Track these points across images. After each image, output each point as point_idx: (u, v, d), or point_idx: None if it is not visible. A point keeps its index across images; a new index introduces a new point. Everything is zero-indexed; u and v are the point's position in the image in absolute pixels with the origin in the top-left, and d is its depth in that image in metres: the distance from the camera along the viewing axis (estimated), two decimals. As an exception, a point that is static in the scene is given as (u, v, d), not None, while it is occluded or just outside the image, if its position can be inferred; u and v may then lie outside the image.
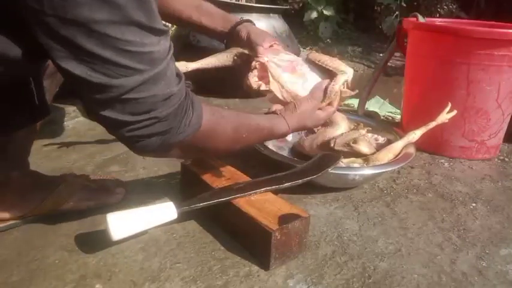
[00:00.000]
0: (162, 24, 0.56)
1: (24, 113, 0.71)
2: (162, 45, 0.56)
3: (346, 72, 0.88)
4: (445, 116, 1.09)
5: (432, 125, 1.07)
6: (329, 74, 0.91)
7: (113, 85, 0.53)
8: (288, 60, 0.90)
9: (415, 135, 1.05)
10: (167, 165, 1.07)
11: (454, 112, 1.10)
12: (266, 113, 0.85)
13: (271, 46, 0.90)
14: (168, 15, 0.92)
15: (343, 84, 0.88)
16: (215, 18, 0.93)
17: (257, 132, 0.78)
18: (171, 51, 0.59)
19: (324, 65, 0.89)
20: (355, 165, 1.00)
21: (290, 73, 0.89)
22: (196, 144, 0.67)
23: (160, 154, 0.66)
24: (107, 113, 0.56)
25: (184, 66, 0.96)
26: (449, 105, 1.10)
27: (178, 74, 0.61)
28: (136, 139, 0.60)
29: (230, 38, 0.92)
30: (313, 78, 0.91)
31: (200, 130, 0.65)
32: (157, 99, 0.57)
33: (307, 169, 0.89)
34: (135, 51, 0.53)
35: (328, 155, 0.94)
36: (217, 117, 0.70)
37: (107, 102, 0.55)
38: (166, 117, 0.59)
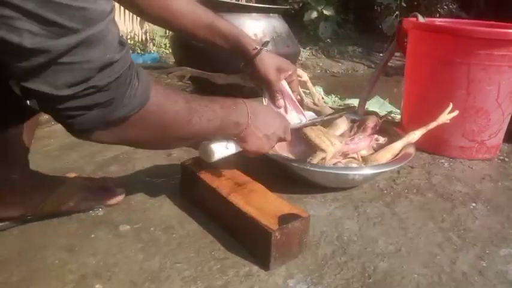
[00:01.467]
0: None
1: (12, 110, 0.69)
2: (100, 5, 0.50)
3: (325, 151, 0.94)
4: (446, 117, 1.09)
5: (433, 125, 1.07)
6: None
7: (38, 48, 0.45)
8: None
9: (415, 135, 1.05)
10: (167, 165, 1.07)
11: (456, 112, 1.10)
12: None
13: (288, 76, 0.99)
14: (182, 32, 0.94)
15: (321, 160, 0.95)
16: (229, 41, 0.93)
17: (211, 113, 0.70)
18: (112, 15, 0.53)
19: (308, 141, 0.96)
20: (353, 165, 1.00)
21: None
22: (143, 122, 0.59)
23: (103, 135, 0.57)
24: (35, 85, 0.48)
25: (220, 80, 1.03)
26: (451, 105, 1.09)
27: (121, 42, 0.54)
28: (74, 113, 0.52)
29: (248, 66, 0.95)
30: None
31: (148, 104, 0.58)
32: (94, 65, 0.50)
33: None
34: (64, 3, 0.45)
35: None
36: (167, 91, 0.64)
37: (34, 71, 0.47)
38: (107, 86, 0.52)
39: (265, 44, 0.95)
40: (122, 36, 0.55)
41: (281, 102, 0.98)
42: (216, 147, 0.77)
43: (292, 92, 1.00)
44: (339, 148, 0.98)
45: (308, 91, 1.29)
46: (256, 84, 1.02)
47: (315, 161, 0.95)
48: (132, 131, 0.59)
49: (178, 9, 0.90)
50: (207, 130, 0.70)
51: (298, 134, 0.99)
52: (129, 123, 0.58)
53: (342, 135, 1.10)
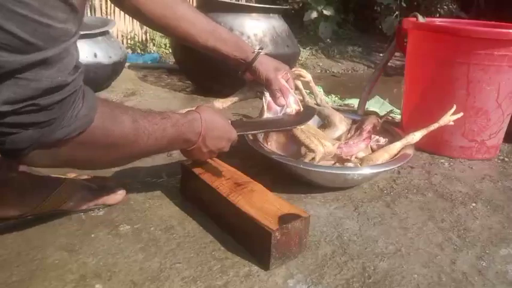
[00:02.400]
0: (76, 2, 0.48)
1: None
2: (66, 25, 0.48)
3: (315, 151, 0.96)
4: (448, 118, 1.08)
5: (434, 127, 1.06)
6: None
7: None
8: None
9: (415, 136, 1.04)
10: (167, 165, 1.07)
11: (460, 114, 1.09)
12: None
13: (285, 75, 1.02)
14: (182, 38, 0.96)
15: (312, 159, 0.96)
16: (229, 45, 0.97)
17: (161, 132, 0.68)
18: (76, 37, 0.51)
19: (298, 142, 0.98)
20: (350, 164, 1.00)
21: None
22: (84, 145, 0.56)
23: (36, 156, 0.53)
24: None
25: (221, 104, 1.05)
26: (454, 107, 1.09)
27: (77, 65, 0.52)
28: (7, 130, 0.48)
29: (247, 70, 0.99)
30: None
31: (91, 126, 0.55)
32: (42, 85, 0.47)
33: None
34: (30, 17, 0.43)
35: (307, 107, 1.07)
36: (114, 112, 0.61)
37: None
38: (49, 106, 0.49)
39: (261, 48, 1.01)
40: (79, 61, 0.53)
41: (282, 100, 1.00)
42: None
43: (290, 88, 1.04)
44: (330, 150, 0.98)
45: (308, 91, 1.29)
46: (255, 88, 1.05)
47: (305, 161, 0.96)
48: (70, 153, 0.56)
49: (182, 15, 0.92)
50: (155, 148, 0.70)
51: (291, 135, 1.01)
52: (68, 145, 0.54)
53: (340, 136, 1.10)
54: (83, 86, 0.55)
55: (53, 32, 0.46)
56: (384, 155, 1.01)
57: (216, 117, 0.80)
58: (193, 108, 0.79)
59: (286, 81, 1.03)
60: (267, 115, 1.01)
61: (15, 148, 0.51)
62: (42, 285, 0.65)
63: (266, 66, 0.99)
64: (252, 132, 0.98)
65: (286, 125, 0.98)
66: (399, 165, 1.01)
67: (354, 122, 1.16)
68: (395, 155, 1.02)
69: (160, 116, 0.70)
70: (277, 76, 1.00)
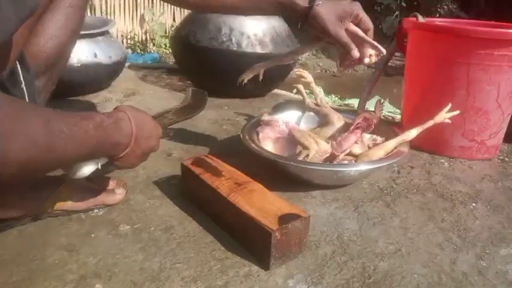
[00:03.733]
0: None
1: None
2: (6, 11, 0.44)
3: (309, 148, 0.99)
4: (443, 116, 1.08)
5: (429, 124, 1.06)
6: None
7: None
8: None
9: (410, 133, 1.05)
10: (167, 165, 1.07)
11: (456, 112, 1.09)
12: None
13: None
14: (222, 6, 0.87)
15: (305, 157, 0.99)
16: (275, 6, 0.85)
17: (81, 136, 0.57)
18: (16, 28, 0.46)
19: (294, 140, 1.02)
20: (345, 162, 1.01)
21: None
22: None
23: None
24: None
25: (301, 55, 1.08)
26: (450, 105, 1.09)
27: None
28: None
29: (304, 24, 0.85)
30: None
31: None
32: None
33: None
34: None
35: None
36: (23, 111, 0.50)
37: None
38: None
39: None
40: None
41: (355, 53, 0.85)
42: (83, 166, 0.68)
43: (367, 29, 0.88)
44: (325, 148, 0.99)
45: (309, 91, 1.30)
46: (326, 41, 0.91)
47: (299, 158, 0.98)
48: None
49: None
50: (76, 155, 0.59)
51: (290, 137, 1.03)
52: None
53: (333, 135, 1.11)
54: None
55: None
56: (378, 152, 1.01)
57: (142, 113, 0.71)
58: (115, 108, 0.69)
59: (358, 24, 0.86)
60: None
61: None
62: (42, 285, 0.65)
63: (323, 18, 0.82)
64: None
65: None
66: (393, 161, 1.01)
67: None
68: (391, 152, 1.02)
69: (80, 117, 0.59)
70: (341, 26, 0.84)
